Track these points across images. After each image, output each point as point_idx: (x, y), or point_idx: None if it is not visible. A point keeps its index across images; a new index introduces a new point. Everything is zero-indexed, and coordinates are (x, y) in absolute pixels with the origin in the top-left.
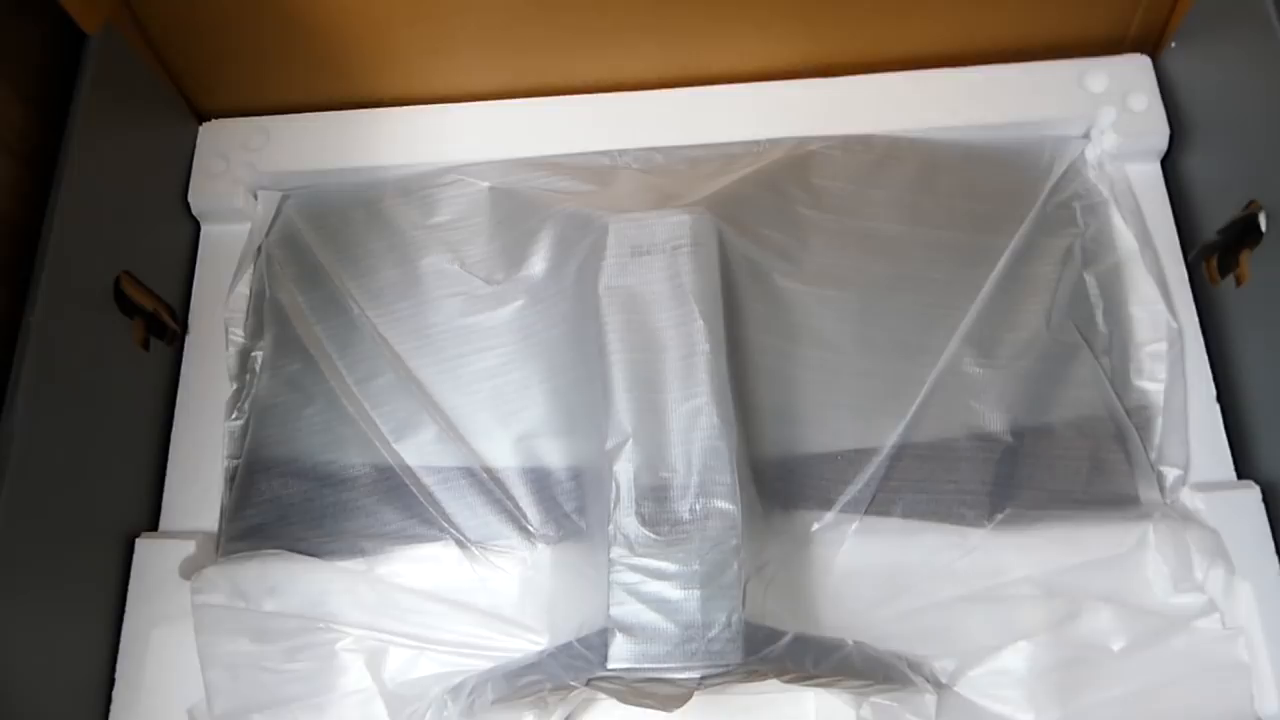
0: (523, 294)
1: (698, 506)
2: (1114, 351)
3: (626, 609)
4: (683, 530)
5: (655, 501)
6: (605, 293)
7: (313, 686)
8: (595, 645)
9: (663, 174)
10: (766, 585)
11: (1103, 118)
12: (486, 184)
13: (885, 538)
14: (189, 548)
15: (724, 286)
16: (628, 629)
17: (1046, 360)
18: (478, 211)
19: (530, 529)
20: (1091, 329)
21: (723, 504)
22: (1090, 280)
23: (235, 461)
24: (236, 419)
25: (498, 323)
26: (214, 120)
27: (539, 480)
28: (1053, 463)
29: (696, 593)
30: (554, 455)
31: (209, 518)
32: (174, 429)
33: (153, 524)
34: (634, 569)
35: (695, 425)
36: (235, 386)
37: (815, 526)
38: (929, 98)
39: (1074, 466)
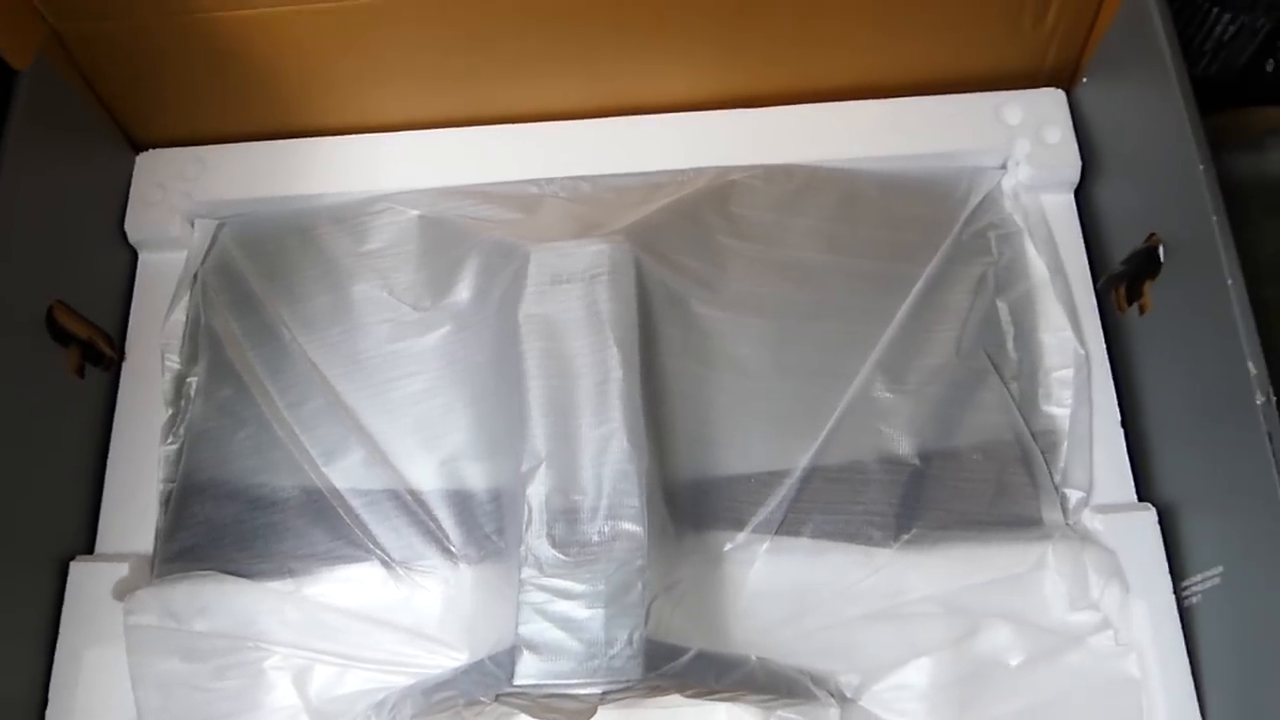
0: (448, 320)
1: (606, 529)
2: (1023, 377)
3: (534, 627)
4: (590, 552)
5: (566, 524)
6: (525, 320)
7: (241, 704)
8: (504, 662)
9: (588, 202)
10: (676, 604)
11: (1018, 149)
12: (416, 212)
13: (795, 557)
14: (123, 570)
15: (641, 313)
16: (534, 647)
17: (956, 386)
18: (407, 239)
19: (452, 549)
20: (1002, 355)
21: (630, 526)
22: (1002, 307)
23: (170, 485)
24: (171, 443)
25: (424, 349)
26: (150, 150)
27: (461, 502)
28: (958, 485)
29: (601, 611)
30: (476, 478)
31: (144, 540)
32: (110, 453)
33: (89, 548)
34: (542, 589)
35: (606, 450)
36: (170, 412)
37: (728, 546)
38: (849, 128)
39: (979, 489)
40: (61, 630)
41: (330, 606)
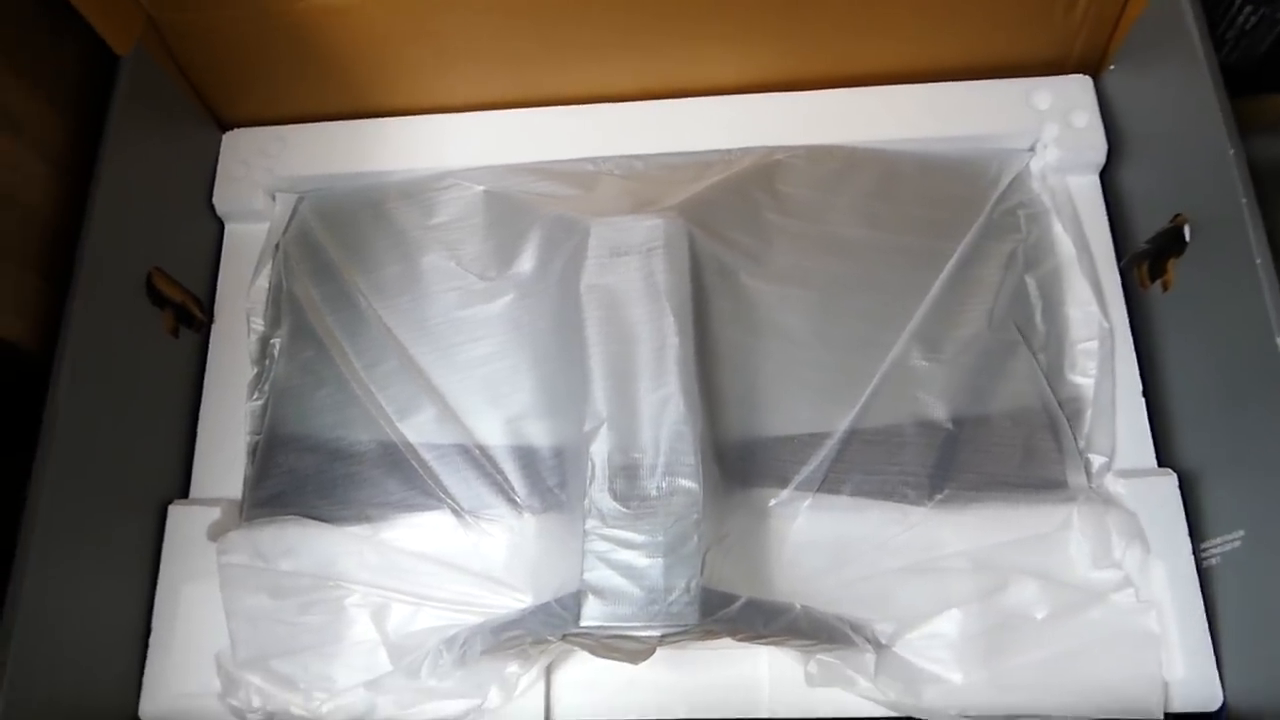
0: (512, 290)
1: (664, 484)
2: (1050, 348)
3: (598, 574)
4: (649, 505)
5: (626, 479)
6: (586, 291)
7: (323, 637)
8: (570, 605)
9: (641, 180)
10: (726, 554)
11: (1047, 133)
12: (481, 188)
13: (835, 514)
14: (215, 514)
15: (694, 284)
16: (599, 592)
17: (987, 356)
18: (473, 213)
19: (517, 500)
20: (1030, 327)
21: (686, 482)
22: (1031, 283)
23: (256, 437)
24: (257, 399)
25: (490, 315)
26: (236, 130)
27: (525, 457)
28: (989, 449)
29: (660, 561)
30: (539, 435)
31: (234, 487)
32: (202, 408)
33: (184, 492)
34: (605, 539)
35: (664, 412)
36: (256, 370)
37: (772, 502)
38: (889, 112)
39: (1008, 453)
40: (162, 567)
41: (405, 550)
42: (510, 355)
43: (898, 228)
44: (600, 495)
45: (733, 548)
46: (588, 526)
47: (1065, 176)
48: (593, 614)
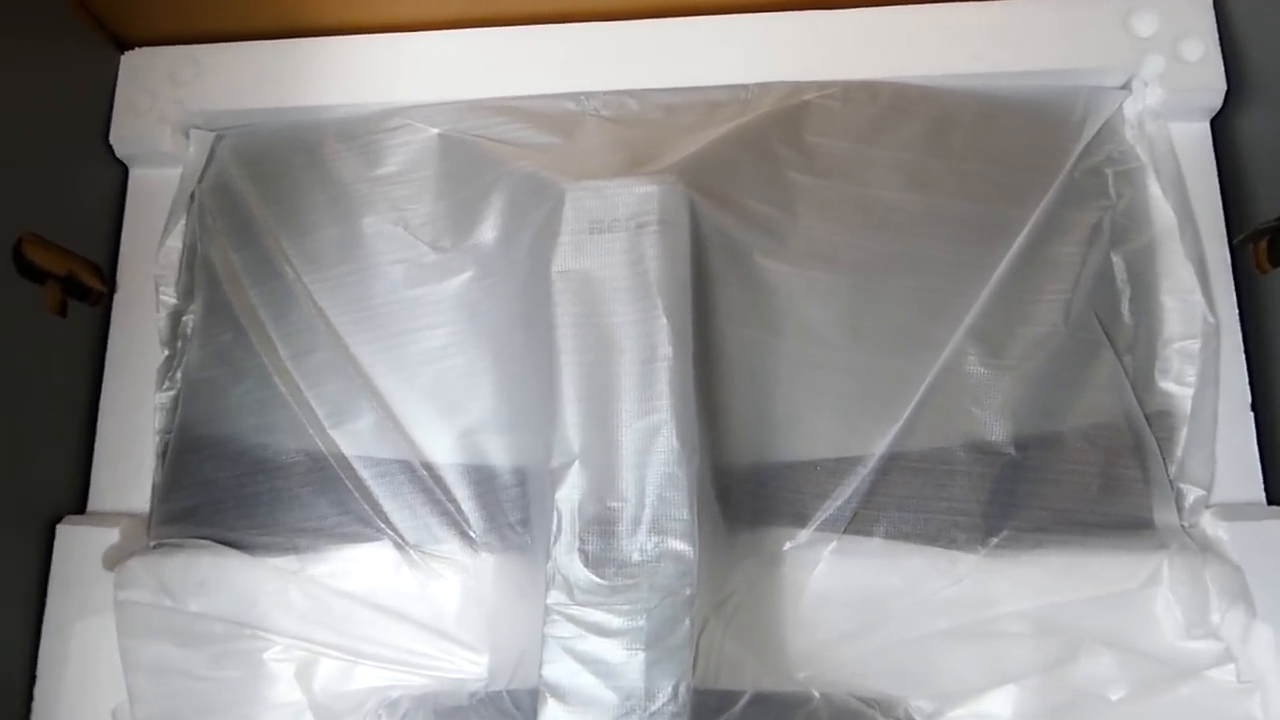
0: (471, 265)
1: (649, 546)
2: (1138, 348)
3: (561, 668)
4: (630, 574)
5: (601, 538)
6: (558, 277)
7: (240, 696)
8: (525, 705)
9: (634, 124)
10: (727, 623)
11: (1148, 66)
12: (436, 130)
13: (865, 560)
14: (114, 535)
15: (695, 270)
16: (560, 694)
17: (1062, 359)
18: (425, 163)
19: (472, 535)
20: (1115, 321)
21: (677, 544)
22: (1118, 262)
23: (167, 437)
24: (168, 389)
25: (443, 297)
26: (137, 49)
27: (482, 482)
28: (1059, 479)
29: (641, 655)
30: (499, 454)
31: (140, 497)
32: (101, 400)
33: (80, 505)
34: (572, 620)
35: (651, 447)
36: (166, 353)
37: (787, 545)
38: (945, 36)
39: (1082, 483)
40: (49, 599)
41: (338, 591)
42: (466, 349)
43: (953, 190)
44: (567, 559)
45: (736, 611)
46: (550, 601)
47: (1168, 123)
48: None
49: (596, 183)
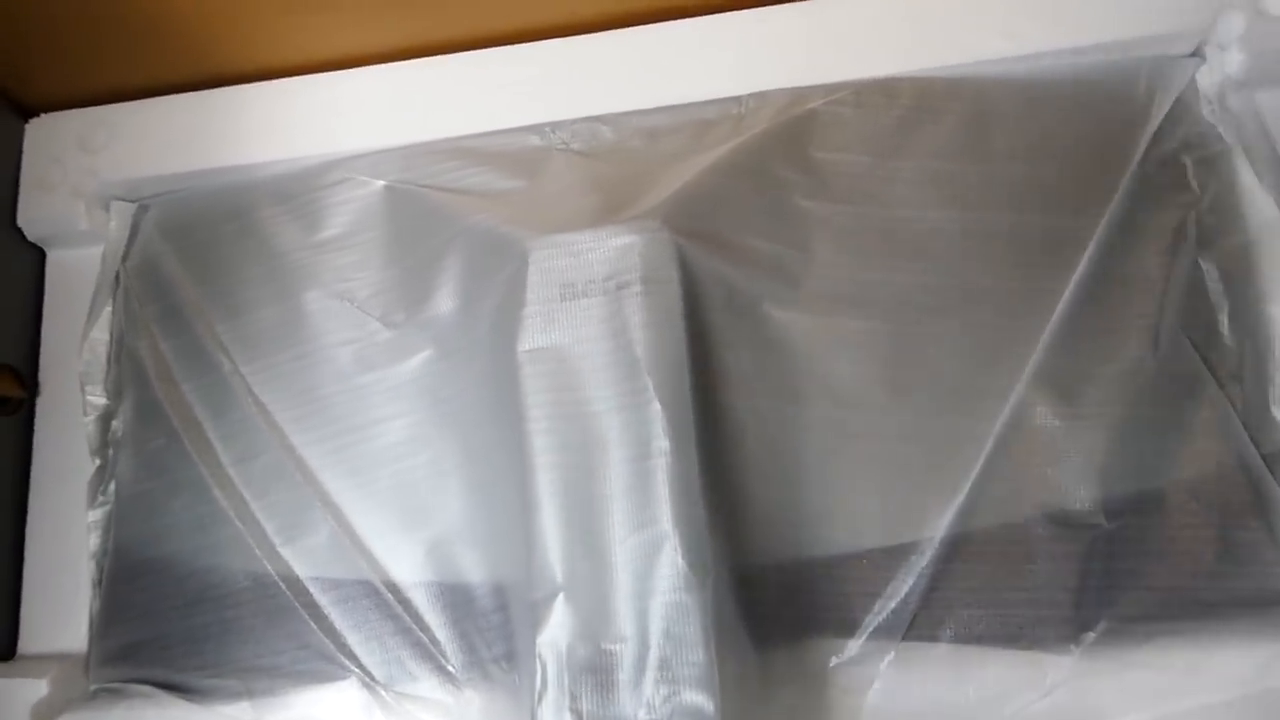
0: (428, 343)
1: (657, 700)
2: (1245, 374)
3: None
4: None
5: (597, 691)
6: (526, 358)
7: None
8: None
9: (610, 157)
10: None
11: (1224, 27)
12: (382, 183)
13: (931, 672)
14: (40, 688)
15: (692, 335)
16: None
17: (1153, 400)
18: (371, 223)
19: (451, 670)
20: (1213, 343)
21: (694, 696)
22: (1210, 270)
23: (103, 561)
24: (102, 504)
25: (399, 382)
26: (41, 116)
27: (458, 605)
28: (1164, 550)
29: None
30: (475, 569)
31: (75, 635)
32: (28, 523)
33: (10, 649)
34: None
35: (652, 569)
36: (98, 463)
37: (834, 662)
38: (972, 16)
39: (1194, 552)
40: None
41: None
42: (430, 445)
43: (997, 202)
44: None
45: None
46: None
47: (1254, 93)
48: None
49: (566, 237)
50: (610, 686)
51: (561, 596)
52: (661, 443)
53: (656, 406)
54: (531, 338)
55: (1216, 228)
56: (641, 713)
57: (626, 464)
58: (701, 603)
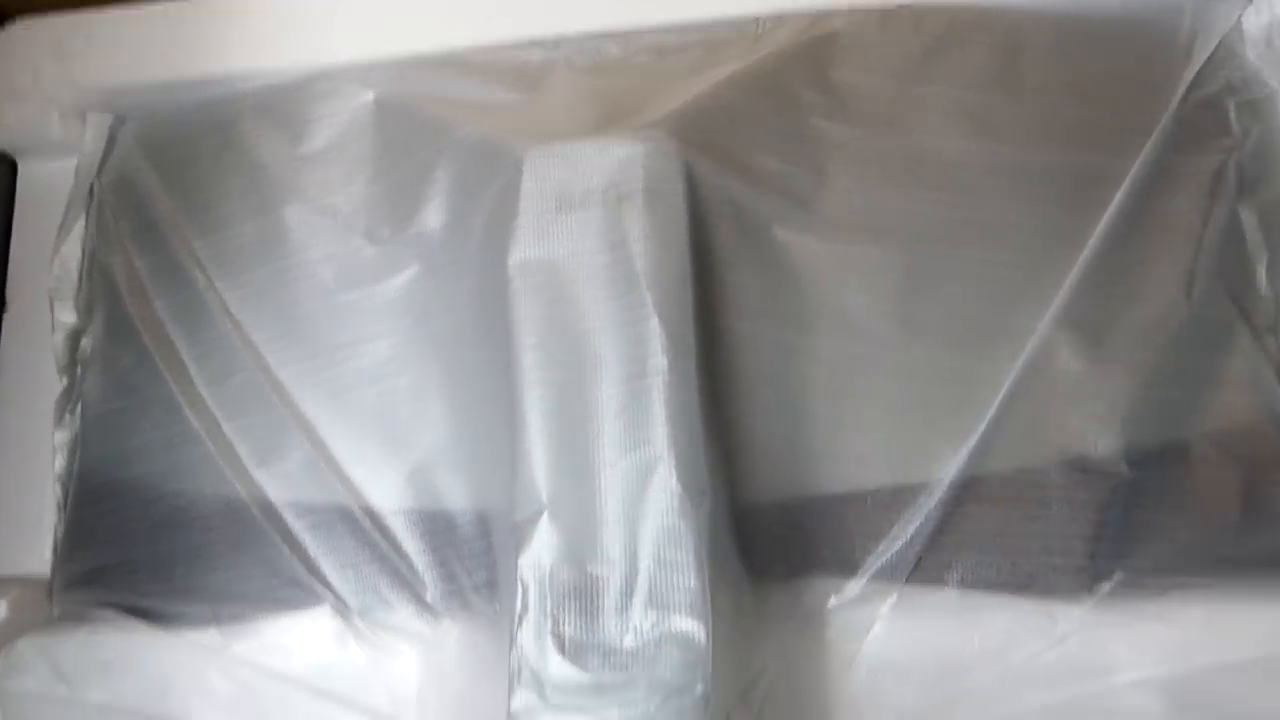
0: (414, 259)
1: (645, 626)
2: None
3: None
4: (621, 665)
5: (580, 615)
6: (517, 270)
7: None
8: None
9: (615, 73)
10: (756, 713)
11: None
12: (371, 95)
13: (935, 619)
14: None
15: (696, 253)
16: None
17: (1184, 348)
18: (359, 136)
19: (429, 599)
20: (1249, 293)
21: (684, 623)
22: (1249, 218)
23: (69, 483)
24: (68, 425)
25: (383, 300)
26: (16, 21)
27: (438, 532)
28: (1188, 502)
29: None
30: (456, 496)
31: (38, 558)
32: None
33: None
34: None
35: (644, 493)
36: (65, 382)
37: (832, 602)
38: None
39: (1219, 507)
40: None
41: (269, 672)
42: (412, 367)
43: (1028, 137)
44: (536, 647)
45: (769, 695)
46: (515, 706)
47: None
48: None
49: (564, 146)
50: (595, 611)
51: (546, 516)
52: (659, 360)
53: (655, 323)
54: (524, 250)
55: (1258, 175)
56: (627, 638)
57: (621, 383)
58: (695, 528)
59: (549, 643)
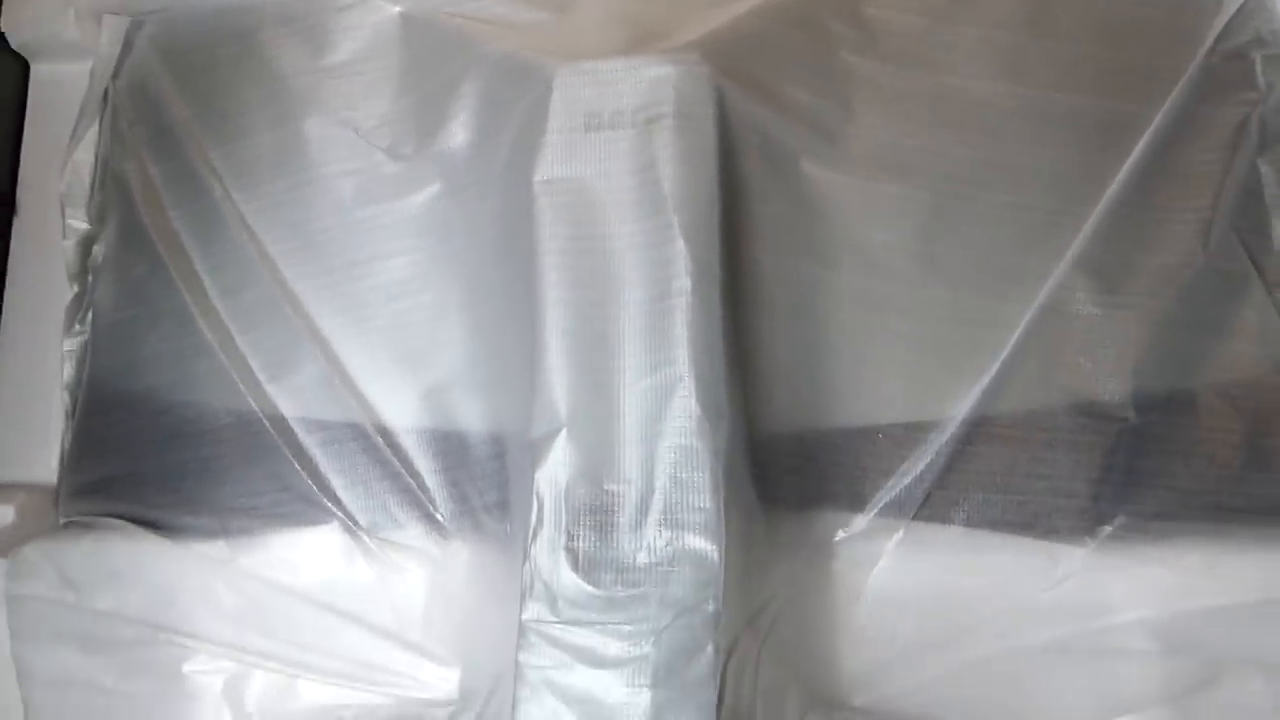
0: (437, 177)
1: (659, 544)
2: None
3: (537, 710)
4: (634, 582)
5: (595, 531)
6: (543, 188)
7: (155, 715)
8: None
9: None
10: (764, 638)
11: None
12: (397, 9)
13: (940, 555)
14: (7, 514)
15: (724, 180)
16: None
17: (1197, 297)
18: (384, 50)
19: (439, 519)
20: (1264, 247)
21: (697, 542)
22: (1267, 173)
23: (77, 392)
24: (77, 334)
25: (404, 217)
26: None
27: (451, 452)
28: (1192, 451)
29: (646, 694)
30: (472, 417)
31: (45, 466)
32: (1, 349)
33: None
34: (554, 644)
35: (663, 412)
36: (75, 290)
37: (840, 535)
38: None
39: (1223, 456)
40: None
41: (276, 586)
42: (432, 285)
43: (1055, 81)
44: (550, 561)
45: (777, 621)
46: (526, 617)
47: None
48: None
49: (594, 64)
50: (610, 528)
51: (564, 433)
52: (683, 281)
53: (680, 244)
54: (550, 167)
55: (1279, 129)
56: (641, 555)
57: (644, 304)
58: (713, 449)
59: (563, 557)
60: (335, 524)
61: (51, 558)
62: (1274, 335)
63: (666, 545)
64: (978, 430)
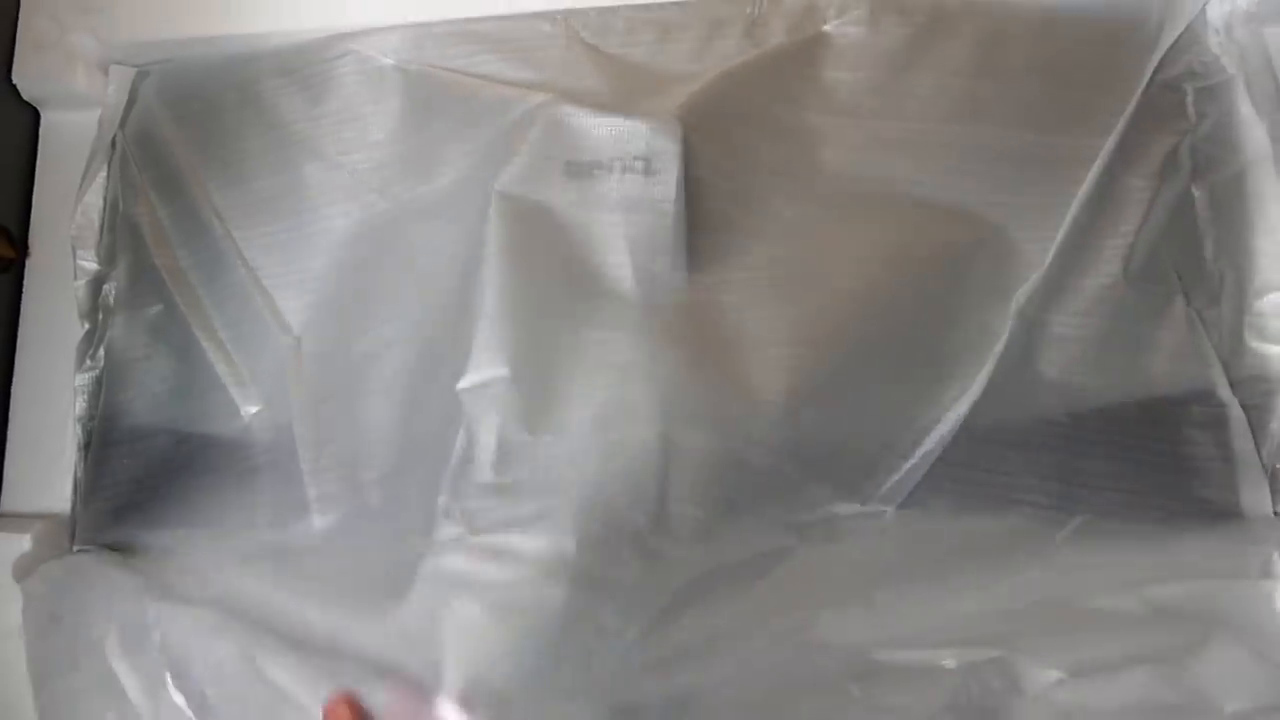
0: (416, 215)
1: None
2: (1226, 300)
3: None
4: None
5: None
6: (499, 198)
7: None
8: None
9: (622, 51)
10: None
11: None
12: (390, 61)
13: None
14: (23, 543)
15: (692, 218)
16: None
17: (1123, 314)
18: (376, 97)
19: None
20: (1195, 268)
21: None
22: (1200, 198)
23: (90, 425)
24: (89, 369)
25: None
26: None
27: None
28: (1124, 457)
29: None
30: None
31: (58, 496)
32: (14, 382)
33: None
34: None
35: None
36: (86, 327)
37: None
38: None
39: (1153, 463)
40: None
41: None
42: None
43: (1009, 119)
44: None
45: None
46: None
47: (1262, 28)
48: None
49: (574, 109)
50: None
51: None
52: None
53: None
54: (516, 185)
55: (1211, 156)
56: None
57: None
58: None
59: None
60: None
61: (65, 583)
62: (1202, 351)
63: None
64: (955, 439)
